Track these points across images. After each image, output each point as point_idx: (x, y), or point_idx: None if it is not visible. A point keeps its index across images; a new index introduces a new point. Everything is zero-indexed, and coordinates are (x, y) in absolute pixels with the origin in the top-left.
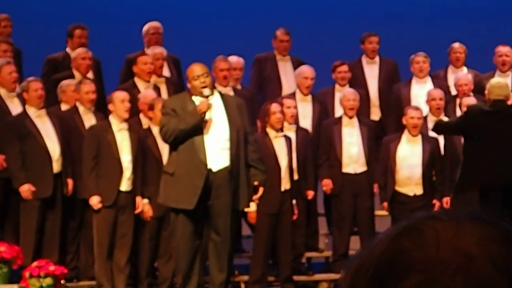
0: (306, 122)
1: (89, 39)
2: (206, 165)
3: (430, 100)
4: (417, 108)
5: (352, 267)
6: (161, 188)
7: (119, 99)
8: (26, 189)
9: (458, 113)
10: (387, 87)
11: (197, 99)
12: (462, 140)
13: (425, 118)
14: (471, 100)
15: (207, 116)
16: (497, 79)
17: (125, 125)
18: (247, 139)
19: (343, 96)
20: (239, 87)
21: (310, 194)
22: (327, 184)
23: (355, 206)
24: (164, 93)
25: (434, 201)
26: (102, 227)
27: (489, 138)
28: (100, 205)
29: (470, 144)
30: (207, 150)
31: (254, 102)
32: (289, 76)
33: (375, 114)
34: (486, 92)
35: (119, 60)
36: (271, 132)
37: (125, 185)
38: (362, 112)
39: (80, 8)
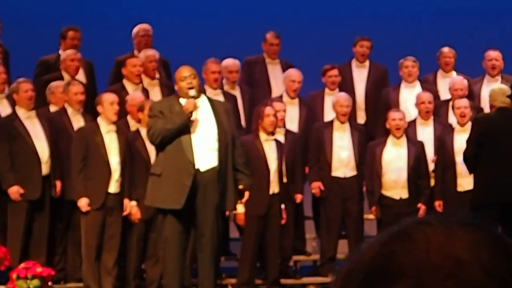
0: (293, 125)
1: (81, 41)
2: (194, 164)
3: (419, 103)
4: (398, 110)
5: (342, 271)
6: (148, 190)
7: (108, 102)
8: (14, 191)
9: (451, 117)
10: (374, 92)
11: (184, 101)
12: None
13: (414, 121)
14: (463, 102)
15: (193, 116)
16: (499, 86)
17: (113, 127)
18: (234, 143)
19: (337, 101)
20: (236, 89)
21: (298, 197)
22: (316, 187)
23: (344, 210)
24: (158, 95)
25: (419, 204)
26: (90, 229)
27: (499, 149)
28: (88, 208)
29: (482, 153)
30: (195, 150)
31: (255, 103)
32: (278, 80)
33: (361, 118)
34: (489, 99)
35: (109, 62)
36: (262, 135)
37: (113, 187)
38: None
39: (70, 9)
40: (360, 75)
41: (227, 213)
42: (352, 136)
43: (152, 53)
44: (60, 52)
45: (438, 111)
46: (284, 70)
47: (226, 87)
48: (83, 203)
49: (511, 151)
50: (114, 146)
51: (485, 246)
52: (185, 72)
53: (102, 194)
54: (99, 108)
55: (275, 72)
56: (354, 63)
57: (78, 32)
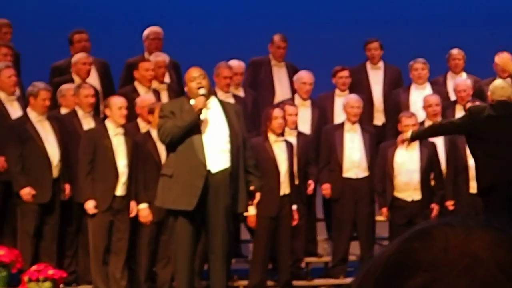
0: (305, 127)
1: (91, 41)
2: (205, 166)
3: (426, 106)
4: (411, 115)
5: (364, 268)
6: (158, 191)
7: (117, 106)
8: (26, 192)
9: (457, 117)
10: (391, 93)
11: (194, 102)
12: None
13: (422, 123)
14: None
15: (204, 116)
16: (499, 81)
17: (121, 130)
18: (245, 145)
19: (347, 102)
20: (240, 91)
21: (311, 184)
22: (326, 189)
23: (355, 211)
24: (165, 99)
25: (433, 205)
26: (98, 231)
27: (496, 138)
28: (95, 210)
29: (477, 145)
30: (206, 151)
31: (257, 104)
32: (283, 82)
33: (378, 119)
34: (488, 93)
35: (117, 63)
36: (271, 137)
37: (120, 190)
38: (365, 117)
39: (80, 12)
40: (375, 77)
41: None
42: (363, 137)
43: (161, 58)
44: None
45: (445, 112)
46: (289, 73)
47: (230, 88)
48: (90, 205)
49: (508, 139)
50: (121, 149)
51: (503, 246)
52: (194, 73)
53: (109, 197)
54: (107, 111)
55: (280, 74)
56: (368, 65)
57: (84, 34)
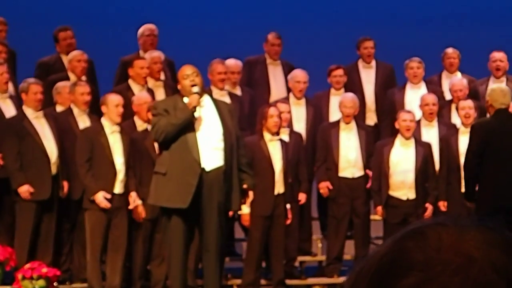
0: (300, 126)
1: (77, 38)
2: (199, 164)
3: (423, 105)
4: (409, 111)
5: (357, 267)
6: (151, 188)
7: (113, 104)
8: (25, 190)
9: (453, 117)
10: (383, 92)
11: (187, 100)
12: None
13: (418, 122)
14: (468, 103)
15: (198, 114)
16: (498, 86)
17: (117, 128)
18: (238, 143)
19: (341, 101)
20: (237, 90)
21: (302, 197)
22: (324, 187)
23: (351, 210)
24: (163, 96)
25: (427, 204)
26: (95, 230)
27: (502, 154)
28: (107, 202)
29: (485, 161)
30: (201, 149)
31: (255, 103)
32: (278, 81)
33: (371, 119)
34: (488, 98)
35: (112, 61)
36: (266, 135)
37: (118, 187)
38: (357, 116)
39: (73, 9)
40: (367, 76)
41: (230, 213)
42: (359, 136)
43: (157, 54)
44: (60, 54)
45: (440, 111)
46: (285, 71)
47: (226, 87)
48: (100, 197)
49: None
50: (118, 146)
51: (497, 245)
52: (187, 70)
53: (109, 194)
54: (103, 109)
55: (275, 73)
56: (360, 64)
57: (68, 31)
